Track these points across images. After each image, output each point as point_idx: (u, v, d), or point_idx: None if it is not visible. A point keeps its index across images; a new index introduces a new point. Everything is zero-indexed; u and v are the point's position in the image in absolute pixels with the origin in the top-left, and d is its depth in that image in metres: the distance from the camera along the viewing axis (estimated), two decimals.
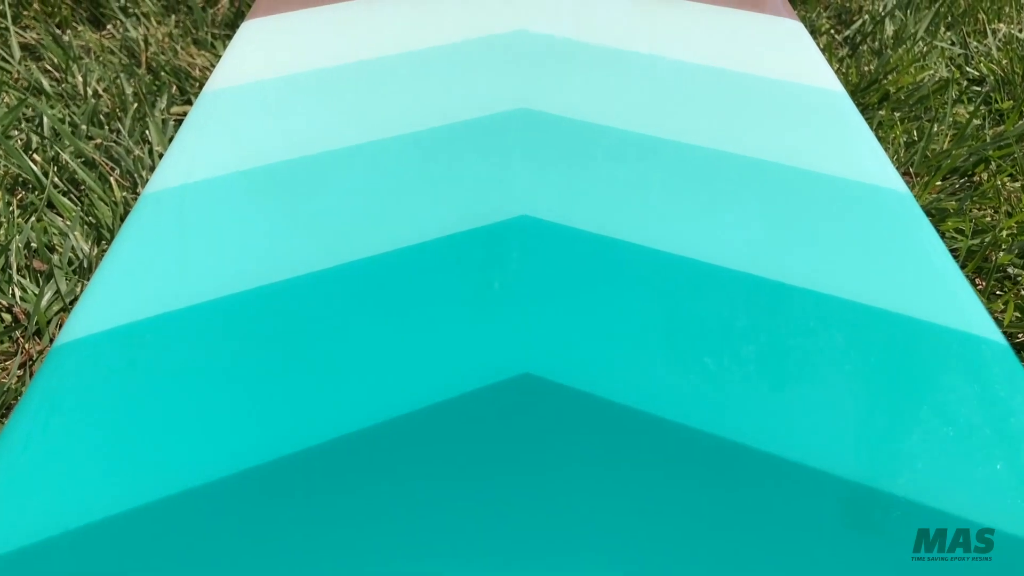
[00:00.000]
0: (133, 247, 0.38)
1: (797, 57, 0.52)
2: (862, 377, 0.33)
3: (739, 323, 0.35)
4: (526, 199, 0.41)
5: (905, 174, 0.81)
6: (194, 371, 0.33)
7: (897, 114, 0.90)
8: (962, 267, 0.69)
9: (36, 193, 0.72)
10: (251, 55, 0.52)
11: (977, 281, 0.69)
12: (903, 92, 0.93)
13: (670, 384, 0.32)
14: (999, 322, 0.63)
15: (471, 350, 0.34)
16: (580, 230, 0.39)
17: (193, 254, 0.38)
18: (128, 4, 1.05)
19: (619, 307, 0.36)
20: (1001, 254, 0.69)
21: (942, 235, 0.73)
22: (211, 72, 0.89)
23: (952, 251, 0.72)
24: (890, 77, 0.94)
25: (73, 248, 0.66)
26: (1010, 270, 0.69)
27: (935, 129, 0.86)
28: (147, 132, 0.80)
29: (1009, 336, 0.63)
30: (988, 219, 0.75)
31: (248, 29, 0.55)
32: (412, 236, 0.38)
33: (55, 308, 0.62)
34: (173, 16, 1.04)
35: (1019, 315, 0.64)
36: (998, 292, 0.68)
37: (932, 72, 0.98)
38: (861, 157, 0.44)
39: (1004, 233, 0.71)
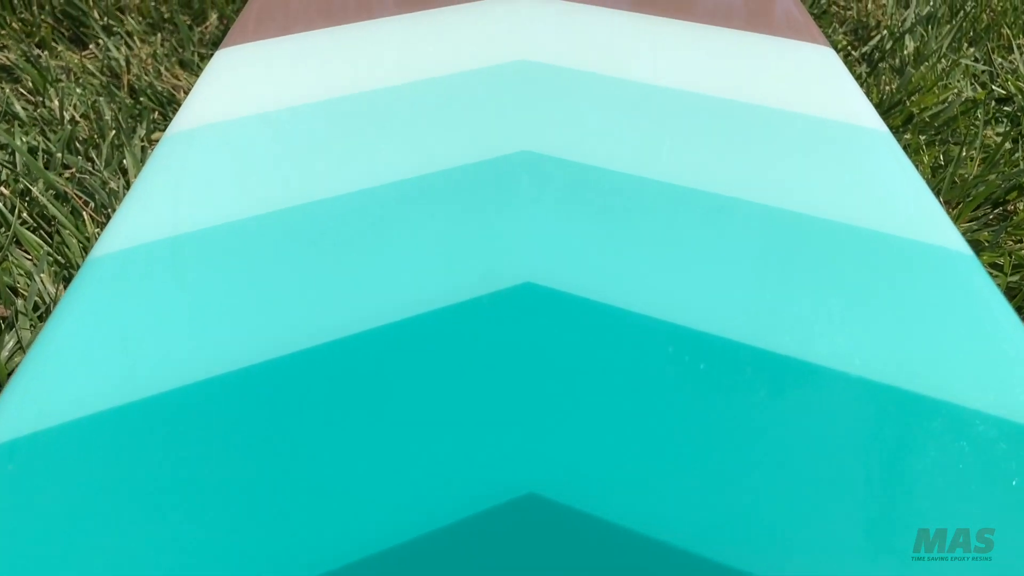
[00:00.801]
0: (71, 328, 0.33)
1: (831, 90, 0.47)
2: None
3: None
4: (533, 265, 0.36)
5: None
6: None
7: (922, 137, 0.85)
8: None
9: (2, 230, 0.67)
10: (223, 89, 0.47)
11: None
12: (927, 113, 0.88)
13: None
14: None
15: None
16: (590, 299, 0.34)
17: (138, 342, 0.32)
18: (112, 23, 1.01)
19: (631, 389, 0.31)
20: None
21: None
22: None
23: None
24: (913, 98, 0.89)
25: (39, 292, 0.61)
26: None
27: (964, 153, 0.81)
28: (125, 161, 0.75)
29: None
30: None
31: (222, 58, 0.50)
32: (408, 309, 0.33)
33: (17, 360, 0.57)
34: (159, 34, 1.00)
35: None
36: None
37: (957, 91, 0.93)
38: (917, 211, 0.39)
39: None
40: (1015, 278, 0.66)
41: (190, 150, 0.42)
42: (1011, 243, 0.71)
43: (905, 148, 0.83)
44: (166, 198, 0.39)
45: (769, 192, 0.39)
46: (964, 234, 0.71)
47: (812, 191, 0.39)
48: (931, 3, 1.08)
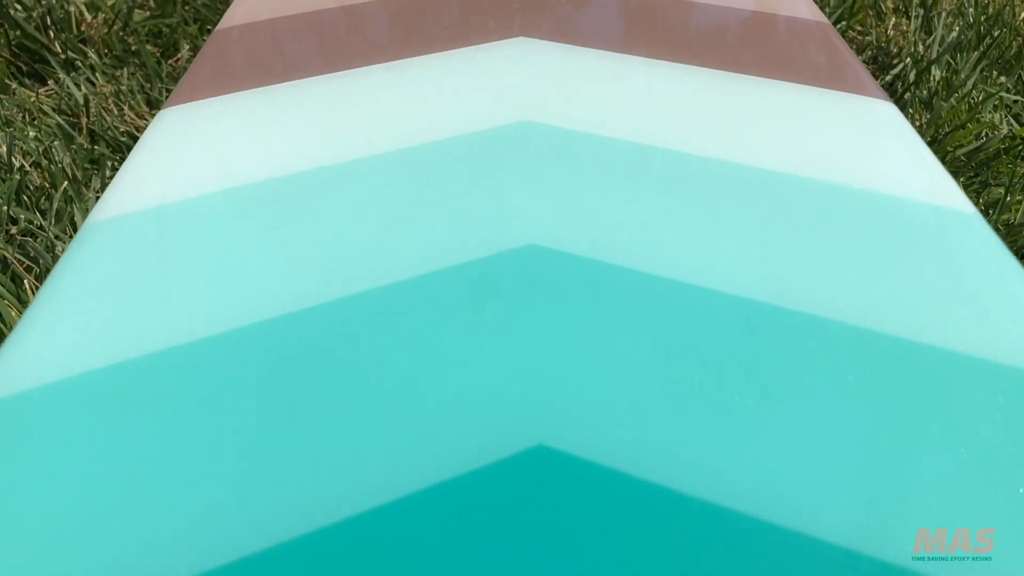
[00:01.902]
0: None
1: (899, 159, 0.39)
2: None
3: None
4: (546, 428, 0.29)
5: None
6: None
7: (960, 179, 0.77)
8: None
9: None
10: (164, 162, 0.39)
11: None
12: (962, 151, 0.81)
13: None
14: None
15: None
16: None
17: None
18: (74, 56, 0.93)
19: None
20: None
21: None
22: None
23: None
24: (947, 136, 0.81)
25: None
26: None
27: (1008, 198, 0.73)
28: (77, 217, 0.67)
29: None
30: None
31: (165, 121, 0.42)
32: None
33: None
34: (125, 69, 0.92)
35: None
36: None
37: (990, 125, 0.85)
38: None
39: None
40: None
41: (120, 244, 0.34)
42: None
43: None
44: (84, 322, 0.31)
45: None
46: None
47: (904, 311, 0.32)
48: (957, 28, 1.01)
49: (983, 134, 0.85)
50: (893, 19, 1.05)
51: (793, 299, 0.32)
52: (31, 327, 0.31)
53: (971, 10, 1.08)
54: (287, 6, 0.52)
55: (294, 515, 0.26)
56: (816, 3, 1.10)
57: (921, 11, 1.07)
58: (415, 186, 0.37)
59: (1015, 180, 0.75)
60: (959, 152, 0.81)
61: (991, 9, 1.08)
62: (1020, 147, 0.81)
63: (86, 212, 0.67)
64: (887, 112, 0.42)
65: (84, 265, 0.34)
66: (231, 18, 0.51)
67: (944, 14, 1.06)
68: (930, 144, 0.81)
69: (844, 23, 1.05)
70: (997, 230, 0.71)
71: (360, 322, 0.32)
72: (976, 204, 0.76)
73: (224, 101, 0.43)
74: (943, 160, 0.80)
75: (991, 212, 0.74)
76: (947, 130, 0.85)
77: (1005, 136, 0.82)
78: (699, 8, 0.52)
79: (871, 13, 1.08)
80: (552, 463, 0.28)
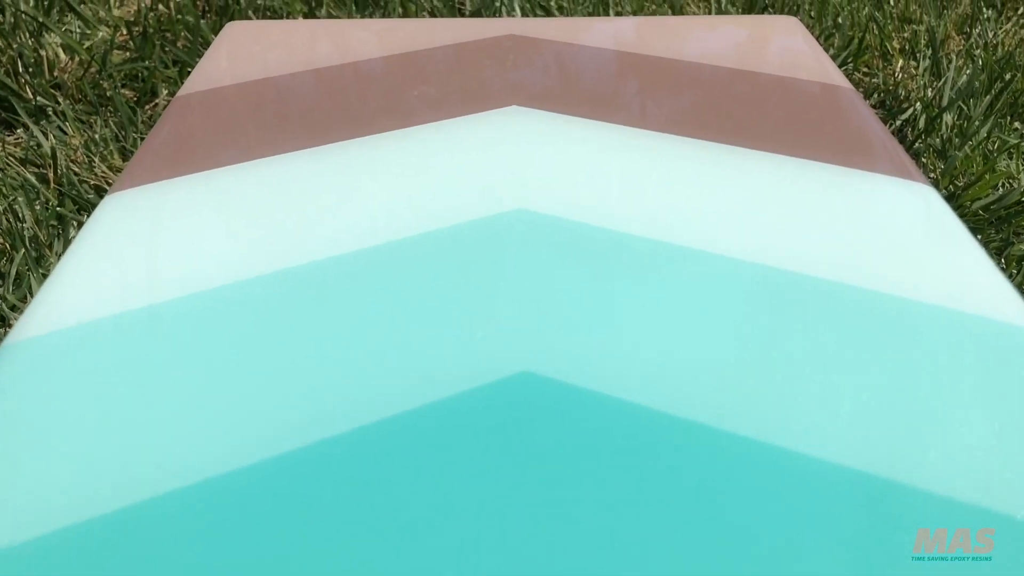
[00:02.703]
0: None
1: (952, 261, 0.35)
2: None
3: None
4: None
5: None
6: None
7: (979, 236, 0.73)
8: None
9: None
10: (100, 269, 0.34)
11: None
12: (979, 204, 0.77)
13: None
14: None
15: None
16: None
17: None
18: (46, 101, 0.88)
19: None
20: None
21: None
22: None
23: None
24: (967, 192, 0.77)
25: None
26: None
27: None
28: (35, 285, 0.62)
29: None
30: None
31: (108, 211, 0.37)
32: None
33: None
34: (99, 116, 0.87)
35: None
36: None
37: (1007, 175, 0.81)
38: None
39: None
40: None
41: (43, 370, 0.29)
42: None
43: None
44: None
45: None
46: None
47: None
48: (967, 72, 0.97)
49: (999, 185, 0.81)
50: (900, 61, 1.01)
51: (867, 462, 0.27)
52: None
53: (980, 52, 1.04)
54: (255, 68, 0.47)
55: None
56: (819, 43, 1.06)
57: (929, 51, 1.03)
58: (394, 296, 0.33)
59: None
60: (976, 205, 0.77)
61: (999, 51, 1.04)
62: None
63: (43, 279, 0.62)
64: (927, 198, 0.38)
65: None
66: (193, 82, 0.46)
67: (953, 56, 1.03)
68: (948, 199, 0.77)
69: (850, 64, 1.02)
70: (1023, 289, 0.67)
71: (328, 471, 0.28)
72: (998, 262, 0.72)
73: (176, 185, 0.38)
74: (962, 216, 0.75)
75: (1015, 272, 0.69)
76: (962, 180, 0.81)
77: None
78: (707, 71, 0.47)
79: (877, 54, 1.04)
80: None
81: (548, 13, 1.12)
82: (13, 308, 0.61)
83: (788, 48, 0.50)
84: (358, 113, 0.44)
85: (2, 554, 0.24)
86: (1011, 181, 0.82)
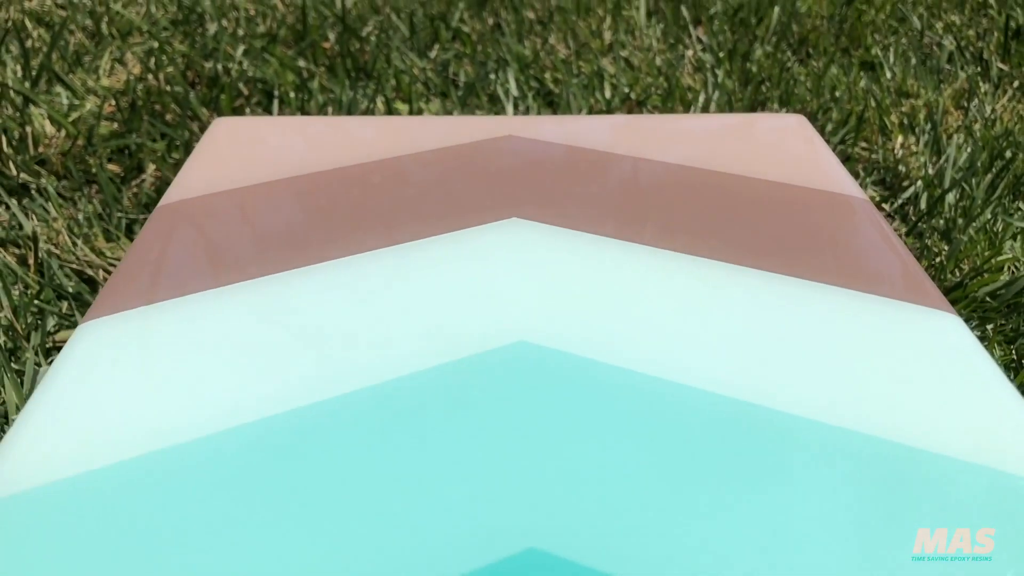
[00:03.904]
0: None
1: (997, 415, 0.32)
2: None
3: None
4: None
5: None
6: None
7: (989, 327, 0.71)
8: None
9: None
10: (66, 420, 0.31)
11: None
12: (985, 291, 0.75)
13: None
14: None
15: None
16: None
17: None
18: (28, 178, 0.86)
19: None
20: None
21: None
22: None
23: None
24: (974, 281, 0.75)
25: None
26: None
27: None
28: (2, 388, 0.59)
29: None
30: None
31: (81, 345, 0.34)
32: None
33: None
34: (84, 193, 0.85)
35: None
36: None
37: (1013, 260, 0.79)
38: None
39: None
40: None
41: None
42: None
43: None
44: None
45: None
46: None
47: None
48: (968, 149, 0.96)
49: (1006, 268, 0.79)
50: (900, 137, 1.01)
51: None
52: None
53: (978, 127, 1.03)
54: (242, 173, 0.45)
55: None
56: (813, 125, 1.05)
57: (929, 126, 1.02)
58: (380, 448, 0.30)
59: None
60: (983, 291, 0.75)
61: (997, 127, 1.03)
62: None
63: (15, 383, 0.59)
64: (954, 329, 0.35)
65: None
66: (178, 188, 0.44)
67: (953, 133, 1.02)
68: (955, 287, 0.75)
69: (850, 139, 1.01)
70: None
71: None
72: (1008, 354, 0.70)
73: (152, 313, 0.36)
74: (970, 304, 0.73)
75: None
76: (967, 264, 0.79)
77: None
78: (718, 180, 0.45)
79: (876, 129, 1.03)
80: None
81: (542, 85, 1.11)
82: None
83: (796, 151, 0.48)
84: (350, 226, 0.42)
85: None
86: (1018, 264, 0.80)
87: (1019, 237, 0.84)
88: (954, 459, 0.30)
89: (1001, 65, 1.20)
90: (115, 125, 0.99)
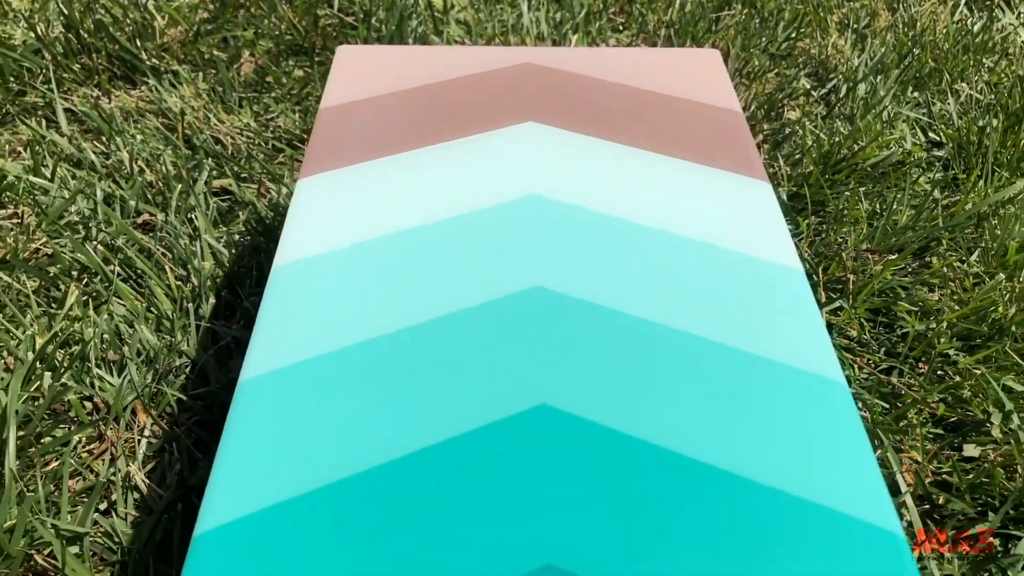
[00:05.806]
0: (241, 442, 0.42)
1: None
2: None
3: None
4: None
5: (867, 251, 0.92)
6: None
7: (862, 189, 1.00)
8: (909, 351, 0.80)
9: (99, 279, 0.82)
10: (312, 224, 0.59)
11: (920, 366, 0.80)
12: (868, 163, 1.03)
13: None
14: (935, 414, 0.74)
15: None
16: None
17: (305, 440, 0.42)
18: (157, 62, 1.13)
19: None
20: (942, 341, 0.80)
21: (893, 317, 0.84)
22: (240, 138, 0.98)
23: (900, 335, 0.82)
24: (859, 154, 1.04)
25: (140, 340, 0.76)
26: (950, 353, 0.80)
27: (896, 204, 0.96)
28: (192, 215, 0.89)
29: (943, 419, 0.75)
30: (935, 300, 0.86)
31: (305, 190, 0.62)
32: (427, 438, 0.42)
33: (129, 397, 0.72)
34: (201, 73, 1.12)
35: (951, 403, 0.75)
36: (939, 373, 0.79)
37: (896, 141, 1.07)
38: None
39: (944, 325, 0.82)
40: (922, 326, 0.82)
41: (302, 283, 0.55)
42: (924, 292, 0.87)
43: (846, 199, 0.98)
44: (290, 327, 0.52)
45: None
46: (887, 285, 0.86)
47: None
48: (886, 47, 1.22)
49: (889, 144, 1.07)
50: (834, 36, 1.26)
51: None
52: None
53: (902, 26, 1.29)
54: (377, 85, 0.72)
55: None
56: (770, 19, 1.30)
57: (857, 26, 1.27)
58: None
59: (901, 186, 0.98)
60: (866, 164, 1.03)
61: (918, 27, 1.28)
62: (912, 160, 1.04)
63: (202, 214, 0.89)
64: (761, 191, 0.64)
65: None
66: (331, 96, 0.71)
67: (880, 31, 1.27)
68: (840, 161, 1.04)
69: (796, 36, 1.26)
70: (886, 232, 0.94)
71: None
72: (872, 207, 0.99)
73: (354, 172, 0.65)
74: (854, 172, 1.02)
75: (882, 216, 0.96)
76: (864, 141, 1.07)
77: (904, 151, 1.05)
78: (633, 93, 0.73)
79: (817, 28, 1.28)
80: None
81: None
82: (178, 235, 0.88)
83: (699, 77, 0.74)
84: (459, 118, 0.70)
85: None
86: (904, 142, 1.08)
87: (908, 125, 1.11)
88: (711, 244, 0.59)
89: None
90: (205, 15, 1.24)
